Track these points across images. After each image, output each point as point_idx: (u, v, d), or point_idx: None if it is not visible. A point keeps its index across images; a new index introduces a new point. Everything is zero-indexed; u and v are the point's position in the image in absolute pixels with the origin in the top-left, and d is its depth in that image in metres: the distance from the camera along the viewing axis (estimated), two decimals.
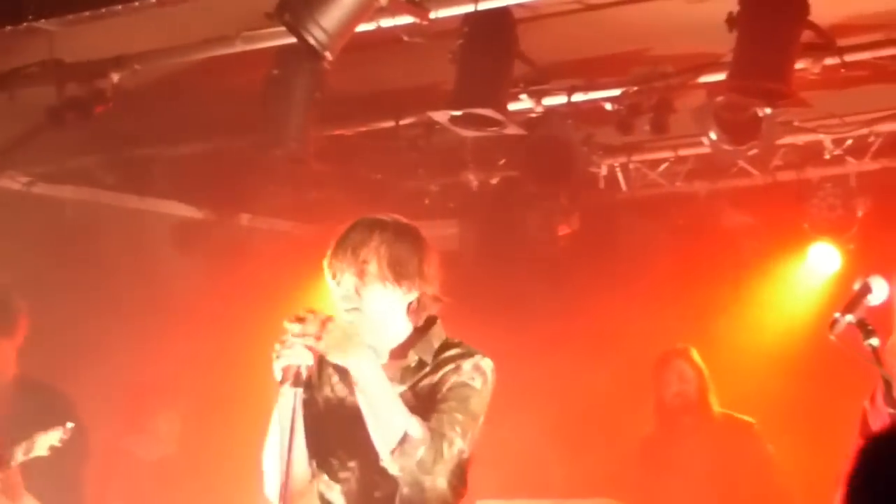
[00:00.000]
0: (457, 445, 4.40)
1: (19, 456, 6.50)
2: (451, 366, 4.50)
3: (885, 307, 4.01)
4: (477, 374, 4.50)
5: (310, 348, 4.24)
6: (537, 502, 7.42)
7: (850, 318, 3.88)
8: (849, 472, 1.54)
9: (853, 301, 3.91)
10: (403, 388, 4.51)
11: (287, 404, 4.23)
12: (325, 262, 4.54)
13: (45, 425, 6.56)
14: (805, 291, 8.89)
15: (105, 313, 8.68)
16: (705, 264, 8.94)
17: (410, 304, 4.56)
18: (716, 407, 8.05)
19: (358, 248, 4.48)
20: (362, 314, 4.45)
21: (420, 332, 4.58)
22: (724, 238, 9.06)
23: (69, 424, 6.56)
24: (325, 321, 4.27)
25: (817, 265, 8.82)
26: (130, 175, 8.95)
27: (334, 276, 4.51)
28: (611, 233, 9.34)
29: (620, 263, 9.14)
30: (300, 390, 4.23)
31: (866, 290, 3.89)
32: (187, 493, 8.63)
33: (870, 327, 3.87)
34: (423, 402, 4.47)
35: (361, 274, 4.45)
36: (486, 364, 4.54)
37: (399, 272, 4.48)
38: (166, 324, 8.89)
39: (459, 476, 4.56)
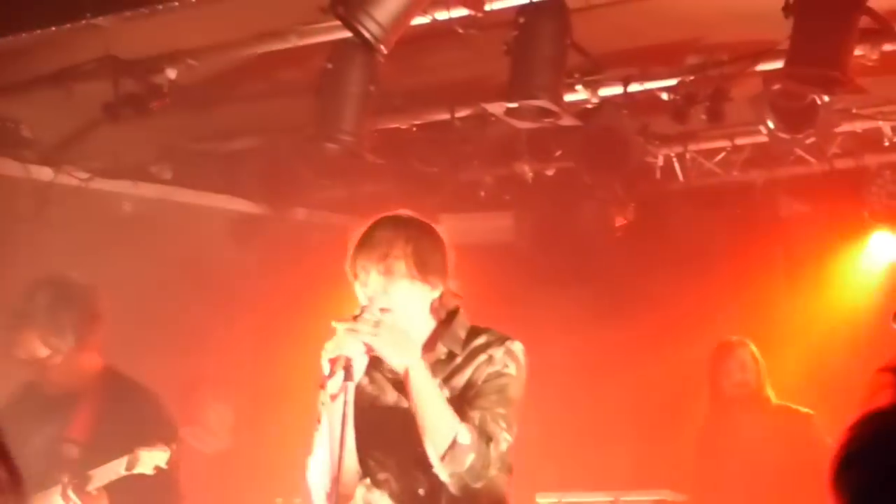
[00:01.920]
0: (503, 442, 4.39)
1: (119, 470, 6.30)
2: (482, 356, 4.49)
3: None
4: (510, 359, 4.49)
5: (365, 343, 4.25)
6: (596, 495, 7.39)
7: None
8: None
9: None
10: (437, 381, 4.50)
11: (336, 403, 4.23)
12: (347, 263, 4.52)
13: (141, 434, 6.42)
14: (865, 281, 8.81)
15: (162, 307, 8.72)
16: (762, 254, 8.89)
17: (434, 300, 4.55)
18: (773, 399, 8.01)
19: (385, 246, 4.46)
20: (393, 314, 4.43)
21: (445, 325, 4.57)
22: (782, 227, 9.00)
23: (164, 450, 6.35)
24: (380, 318, 4.28)
25: (877, 254, 8.75)
26: (186, 170, 9.00)
27: (358, 276, 4.49)
28: (667, 223, 9.29)
29: (677, 254, 9.09)
30: (352, 384, 4.23)
31: None
32: (239, 486, 8.68)
33: None
34: (461, 396, 4.46)
35: (389, 272, 4.43)
36: (517, 347, 4.53)
37: (426, 269, 4.47)
38: (222, 317, 8.93)
39: (504, 461, 4.55)
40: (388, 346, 4.29)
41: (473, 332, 4.58)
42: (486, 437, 4.34)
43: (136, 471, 6.17)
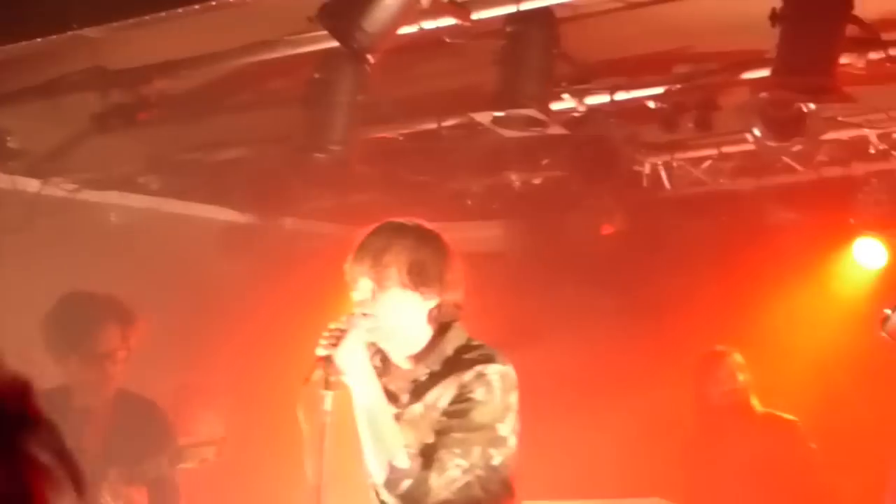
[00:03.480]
0: (452, 469, 4.36)
1: (162, 466, 6.37)
2: (453, 378, 4.47)
3: None
4: (478, 384, 4.43)
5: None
6: (585, 503, 7.39)
7: None
8: None
9: None
10: (416, 401, 4.50)
11: (317, 412, 4.26)
12: (346, 266, 4.53)
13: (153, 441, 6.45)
14: (852, 288, 8.83)
15: (151, 318, 8.71)
16: (750, 261, 8.90)
17: (431, 310, 4.53)
18: (759, 406, 8.03)
19: (379, 253, 4.46)
20: (376, 319, 4.43)
21: (434, 342, 4.55)
22: (769, 235, 9.01)
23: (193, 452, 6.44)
24: (341, 334, 4.28)
25: (864, 261, 8.77)
26: (174, 180, 8.99)
27: (352, 280, 4.50)
28: (655, 231, 9.30)
29: (665, 262, 9.11)
30: (330, 394, 4.24)
31: None
32: (229, 496, 8.67)
33: None
34: (430, 417, 4.45)
35: (380, 279, 4.44)
36: (492, 370, 4.45)
37: (419, 279, 4.46)
38: (211, 328, 8.92)
39: (500, 482, 4.53)
40: (343, 361, 4.29)
41: (463, 349, 4.55)
42: (430, 462, 4.32)
43: (181, 466, 6.26)
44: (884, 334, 3.85)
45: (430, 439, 4.38)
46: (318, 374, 4.25)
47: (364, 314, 4.41)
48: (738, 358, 8.02)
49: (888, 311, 3.88)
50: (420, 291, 4.48)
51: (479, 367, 4.45)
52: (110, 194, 9.10)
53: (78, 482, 1.26)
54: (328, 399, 4.22)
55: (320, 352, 4.28)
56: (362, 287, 4.47)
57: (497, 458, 4.49)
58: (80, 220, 8.76)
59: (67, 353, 6.66)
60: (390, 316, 4.46)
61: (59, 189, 8.75)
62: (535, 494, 7.17)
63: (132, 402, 6.83)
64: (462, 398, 4.42)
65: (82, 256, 8.50)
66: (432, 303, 4.52)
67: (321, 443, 4.20)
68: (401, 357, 4.58)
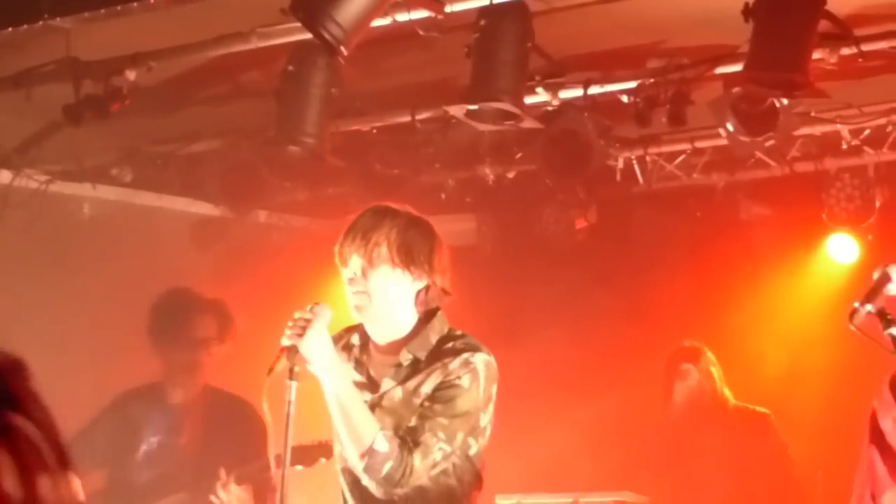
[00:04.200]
0: (435, 452, 4.37)
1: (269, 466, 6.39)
2: (438, 364, 4.48)
3: None
4: (464, 371, 4.46)
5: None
6: (556, 496, 7.41)
7: (869, 307, 3.85)
8: None
9: (873, 290, 3.88)
10: (396, 385, 4.51)
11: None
12: (336, 248, 4.55)
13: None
14: (824, 282, 8.86)
15: (124, 310, 8.69)
16: (722, 256, 8.93)
17: (419, 293, 4.55)
18: (731, 400, 8.05)
19: (368, 231, 4.49)
20: (369, 298, 4.45)
21: (419, 327, 4.57)
22: (742, 230, 9.04)
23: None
24: (306, 324, 4.29)
25: (835, 256, 8.80)
26: (147, 172, 8.96)
27: (342, 260, 4.52)
28: (628, 226, 9.32)
29: (638, 257, 9.12)
30: (295, 384, 4.25)
31: (886, 279, 3.86)
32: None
33: (889, 316, 3.83)
34: (411, 403, 4.46)
35: (370, 256, 4.46)
36: (478, 359, 4.49)
37: (408, 258, 4.48)
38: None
39: (471, 472, 4.55)
40: (308, 351, 4.29)
41: (446, 338, 4.57)
42: (412, 446, 4.33)
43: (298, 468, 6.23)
44: (852, 327, 3.85)
45: (411, 423, 4.39)
46: (282, 363, 4.25)
47: (356, 293, 4.43)
48: (707, 353, 8.04)
49: (857, 305, 3.89)
50: (409, 270, 4.50)
51: (466, 355, 4.48)
52: (83, 186, 9.06)
53: (63, 459, 1.26)
54: (293, 389, 4.22)
55: (284, 342, 4.29)
56: (352, 265, 4.50)
57: (473, 448, 4.52)
58: (52, 212, 8.72)
59: (165, 338, 7.00)
60: (379, 294, 4.48)
61: (32, 181, 8.71)
62: (505, 488, 7.20)
63: (223, 399, 7.02)
64: (448, 384, 4.44)
65: (55, 248, 8.47)
66: (420, 284, 4.54)
67: (286, 433, 4.20)
68: (384, 341, 4.59)
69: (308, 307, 4.39)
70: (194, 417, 6.93)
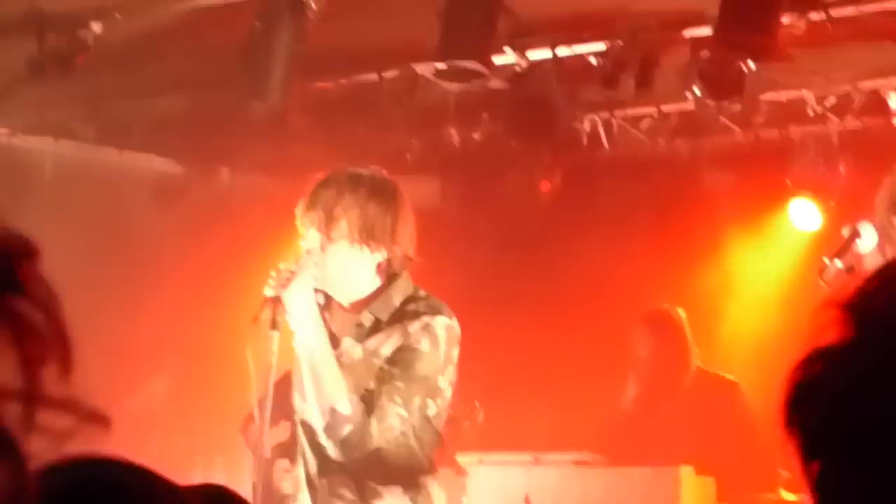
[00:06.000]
0: (392, 418, 4.36)
1: None
2: (399, 327, 4.46)
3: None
4: (424, 335, 4.44)
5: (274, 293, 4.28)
6: (516, 455, 7.41)
7: (839, 263, 3.86)
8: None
9: (843, 247, 3.89)
10: (356, 344, 4.49)
11: (264, 353, 4.25)
12: (298, 212, 4.51)
13: None
14: (787, 249, 8.89)
15: (86, 268, 8.64)
16: (686, 222, 8.93)
17: (380, 263, 4.52)
18: (700, 366, 8.03)
19: (329, 205, 4.43)
20: (325, 270, 4.42)
21: (381, 289, 4.54)
22: (706, 196, 9.05)
23: None
24: (291, 275, 4.27)
25: (799, 223, 8.82)
26: (110, 128, 8.89)
27: (303, 228, 4.49)
28: (593, 189, 9.32)
29: (602, 220, 9.12)
30: (277, 334, 4.24)
31: (856, 235, 3.87)
32: (168, 445, 8.67)
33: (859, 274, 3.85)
34: (370, 363, 4.45)
35: (328, 232, 4.41)
36: (439, 322, 4.46)
37: (368, 233, 4.43)
38: (146, 278, 8.86)
39: (432, 432, 4.54)
40: (291, 302, 4.28)
41: (410, 299, 4.54)
42: (371, 409, 4.32)
43: None
44: (822, 283, 3.87)
45: (368, 385, 4.38)
46: (266, 313, 4.23)
47: (314, 263, 4.40)
48: (679, 315, 7.98)
49: (827, 261, 3.90)
50: (369, 245, 4.46)
51: (425, 318, 4.45)
52: (45, 141, 8.99)
53: (65, 346, 1.22)
54: (275, 339, 4.21)
55: (268, 292, 4.26)
56: (311, 237, 4.45)
57: (432, 409, 4.50)
58: (13, 167, 8.65)
59: None
60: (338, 268, 4.44)
61: None
62: (466, 446, 7.20)
63: None
64: (407, 348, 4.41)
65: (15, 203, 8.40)
66: (381, 256, 4.50)
67: (267, 383, 4.19)
68: (347, 302, 4.56)
69: (293, 259, 4.37)
70: None
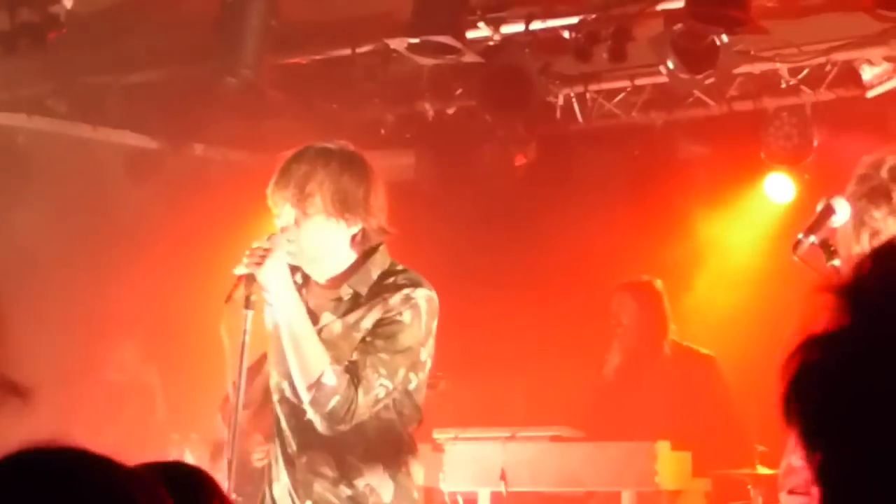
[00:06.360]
0: (377, 388, 4.37)
1: None
2: (379, 299, 4.47)
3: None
4: (406, 307, 4.44)
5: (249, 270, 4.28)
6: (493, 430, 7.43)
7: (813, 238, 3.87)
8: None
9: (816, 221, 3.89)
10: (336, 318, 4.49)
11: (237, 332, 4.26)
12: (269, 191, 4.50)
13: None
14: (761, 221, 8.91)
15: (59, 243, 8.62)
16: (660, 194, 8.94)
17: (354, 235, 4.52)
18: (676, 339, 8.04)
19: (302, 180, 4.42)
20: (300, 246, 4.42)
21: (358, 263, 4.54)
22: (680, 168, 9.06)
23: None
24: (265, 253, 4.27)
25: (773, 195, 8.85)
26: (83, 104, 8.85)
27: (275, 205, 4.48)
28: (567, 163, 9.32)
29: (577, 194, 9.12)
30: (251, 313, 4.24)
31: (829, 210, 3.87)
32: (143, 420, 8.67)
33: (833, 248, 3.85)
34: (351, 337, 4.45)
35: (303, 207, 4.41)
36: (420, 294, 4.47)
37: (343, 206, 4.44)
38: (120, 253, 8.84)
39: (411, 406, 4.55)
40: (267, 279, 4.28)
41: (388, 273, 4.54)
42: (354, 379, 4.33)
43: None
44: (796, 258, 3.88)
45: (350, 358, 4.38)
46: (239, 292, 4.23)
47: (288, 240, 4.39)
48: (653, 287, 7.99)
49: (801, 236, 3.90)
50: (344, 218, 4.46)
51: (407, 291, 4.45)
52: (18, 116, 8.95)
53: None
54: (248, 318, 4.21)
55: (241, 270, 4.26)
56: (285, 214, 4.44)
57: (413, 383, 4.51)
58: None
59: None
60: (313, 243, 4.44)
61: None
62: (443, 422, 7.22)
63: None
64: (389, 320, 4.42)
65: None
66: (355, 228, 4.50)
67: (241, 361, 4.19)
68: (324, 279, 4.56)
69: (266, 237, 4.36)
70: None
